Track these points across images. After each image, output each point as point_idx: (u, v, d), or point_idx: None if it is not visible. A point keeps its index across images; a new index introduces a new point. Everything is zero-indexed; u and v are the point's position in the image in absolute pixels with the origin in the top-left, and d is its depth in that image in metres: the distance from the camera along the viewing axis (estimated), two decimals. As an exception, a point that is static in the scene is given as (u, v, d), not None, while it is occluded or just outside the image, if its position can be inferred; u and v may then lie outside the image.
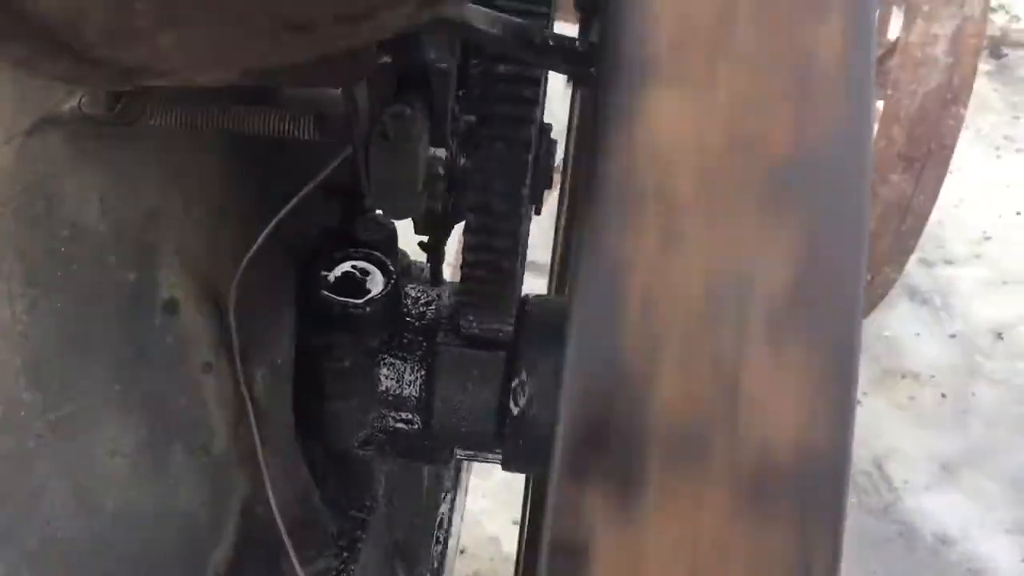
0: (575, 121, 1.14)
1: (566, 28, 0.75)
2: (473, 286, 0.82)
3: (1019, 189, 2.76)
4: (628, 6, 0.50)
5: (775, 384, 0.48)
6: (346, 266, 0.86)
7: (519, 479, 1.17)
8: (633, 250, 0.49)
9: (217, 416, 0.77)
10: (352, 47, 0.41)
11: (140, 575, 0.74)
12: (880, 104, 2.01)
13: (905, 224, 2.08)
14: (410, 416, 0.88)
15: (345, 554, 0.90)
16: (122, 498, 0.74)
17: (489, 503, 1.91)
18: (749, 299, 0.48)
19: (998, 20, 3.26)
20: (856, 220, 0.50)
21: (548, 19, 0.71)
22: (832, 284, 0.49)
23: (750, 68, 0.49)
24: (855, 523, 1.97)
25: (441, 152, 0.74)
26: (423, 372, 0.87)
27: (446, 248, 0.88)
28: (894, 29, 1.92)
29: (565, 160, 1.20)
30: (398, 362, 0.88)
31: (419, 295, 0.90)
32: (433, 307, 0.89)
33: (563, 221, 1.22)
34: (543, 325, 0.87)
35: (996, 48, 3.20)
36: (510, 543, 1.76)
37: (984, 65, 2.86)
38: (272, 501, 0.78)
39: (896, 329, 2.42)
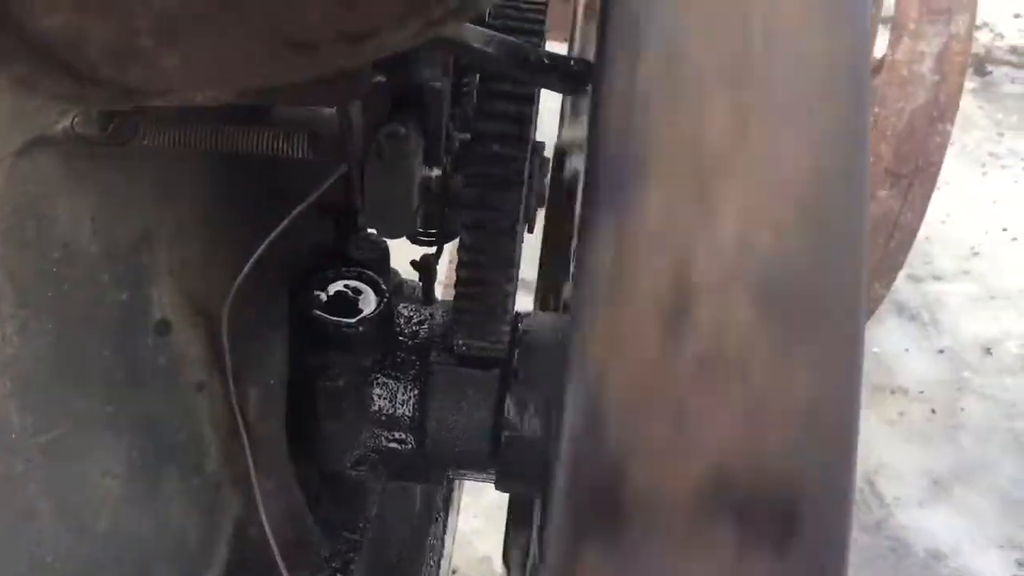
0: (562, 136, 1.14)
1: (557, 47, 0.75)
2: (466, 304, 0.82)
3: (1005, 205, 2.77)
4: None
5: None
6: (338, 285, 0.86)
7: (511, 498, 1.15)
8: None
9: (210, 436, 0.76)
10: (353, 67, 0.40)
11: (132, 597, 0.74)
12: (867, 121, 2.01)
13: (893, 240, 2.08)
14: (404, 436, 0.88)
15: (338, 575, 0.90)
16: (113, 519, 0.73)
17: (481, 523, 1.90)
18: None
19: (982, 38, 3.27)
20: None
21: (542, 38, 0.71)
22: None
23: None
24: (847, 539, 1.96)
25: (435, 171, 0.74)
26: (416, 392, 0.87)
27: (438, 267, 0.88)
28: (880, 47, 1.92)
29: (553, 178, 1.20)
30: (391, 382, 0.87)
31: (412, 314, 0.90)
32: (426, 326, 0.89)
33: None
34: (537, 343, 0.86)
35: (981, 65, 3.22)
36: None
37: (969, 82, 2.87)
38: (265, 522, 0.78)
39: (885, 345, 2.42)
